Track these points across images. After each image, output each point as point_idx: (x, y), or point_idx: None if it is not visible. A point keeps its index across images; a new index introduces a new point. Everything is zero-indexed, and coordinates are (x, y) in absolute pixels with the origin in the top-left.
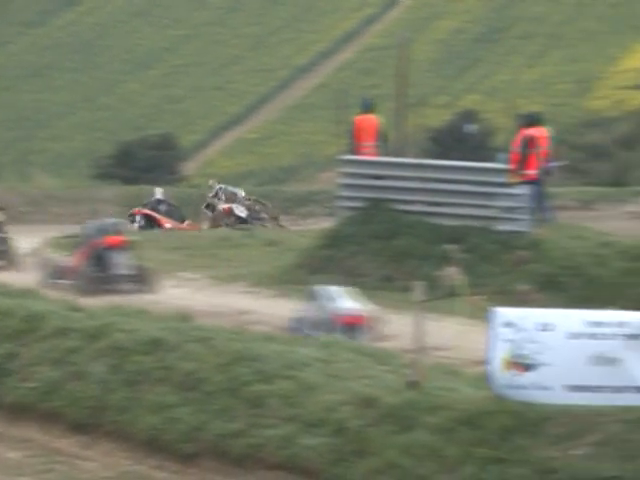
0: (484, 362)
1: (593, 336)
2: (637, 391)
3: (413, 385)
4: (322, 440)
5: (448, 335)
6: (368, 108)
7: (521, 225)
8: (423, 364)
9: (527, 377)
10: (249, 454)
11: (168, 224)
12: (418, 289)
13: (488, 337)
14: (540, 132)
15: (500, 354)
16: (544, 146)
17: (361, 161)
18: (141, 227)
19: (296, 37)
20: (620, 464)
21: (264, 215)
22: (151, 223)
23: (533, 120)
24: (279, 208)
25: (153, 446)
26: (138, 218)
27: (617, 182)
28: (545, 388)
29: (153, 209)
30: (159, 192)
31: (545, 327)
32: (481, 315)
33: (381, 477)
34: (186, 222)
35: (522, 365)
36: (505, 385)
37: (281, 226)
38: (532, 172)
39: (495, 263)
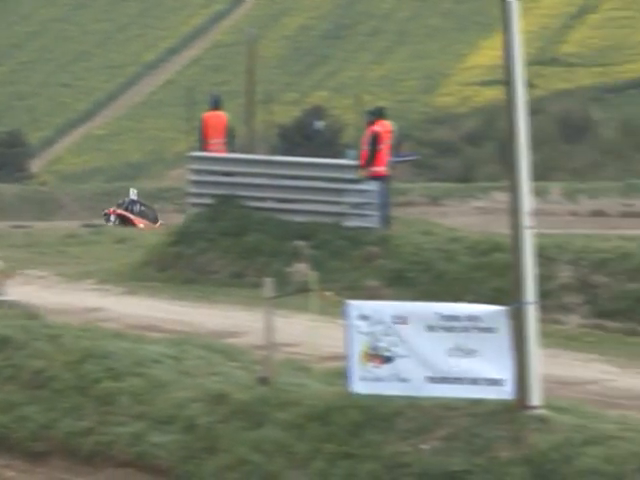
0: (334, 357)
1: (447, 329)
2: (489, 383)
3: (263, 381)
4: (172, 437)
5: (298, 331)
6: (216, 105)
7: (370, 221)
8: (273, 360)
9: (386, 369)
10: (99, 452)
11: (141, 224)
12: (268, 285)
13: (345, 331)
14: (384, 127)
15: (358, 347)
16: (388, 141)
17: (210, 158)
18: (115, 226)
19: (144, 33)
20: (469, 458)
21: None
22: (125, 223)
23: (377, 115)
24: None
25: (2, 445)
26: (112, 218)
27: (465, 178)
28: (404, 380)
29: (127, 209)
30: (133, 193)
31: (401, 320)
32: (332, 311)
33: (231, 473)
34: (159, 222)
35: (380, 357)
36: (364, 378)
37: None
38: (381, 168)
39: (345, 259)
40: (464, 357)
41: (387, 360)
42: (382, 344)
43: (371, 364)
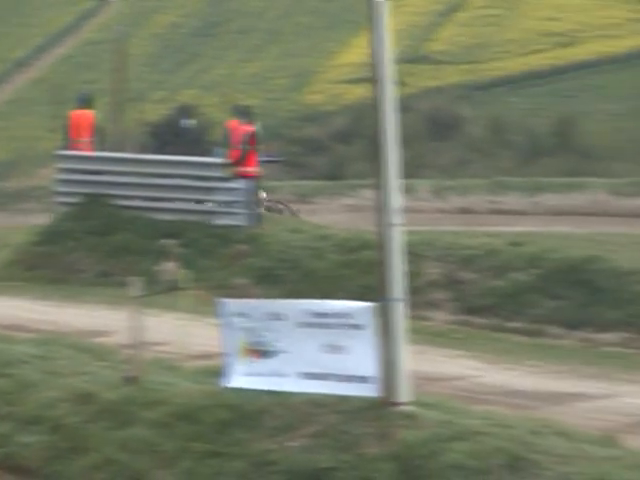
0: (203, 356)
1: (318, 326)
2: (357, 380)
3: (131, 380)
4: (39, 437)
5: (167, 330)
6: (84, 103)
7: (239, 219)
8: (141, 359)
9: (263, 364)
10: None
11: None
12: (134, 284)
13: (220, 327)
14: (251, 126)
15: (234, 343)
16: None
17: (78, 156)
18: None
19: (13, 31)
20: (336, 455)
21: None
22: None
23: (246, 115)
24: None
25: None
26: None
27: (334, 176)
28: (281, 375)
29: None
30: None
31: (276, 316)
32: (201, 310)
33: (99, 473)
34: None
35: (258, 352)
36: (241, 373)
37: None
38: (252, 168)
39: (213, 257)
40: (334, 354)
41: (264, 355)
42: (259, 339)
43: (249, 359)
